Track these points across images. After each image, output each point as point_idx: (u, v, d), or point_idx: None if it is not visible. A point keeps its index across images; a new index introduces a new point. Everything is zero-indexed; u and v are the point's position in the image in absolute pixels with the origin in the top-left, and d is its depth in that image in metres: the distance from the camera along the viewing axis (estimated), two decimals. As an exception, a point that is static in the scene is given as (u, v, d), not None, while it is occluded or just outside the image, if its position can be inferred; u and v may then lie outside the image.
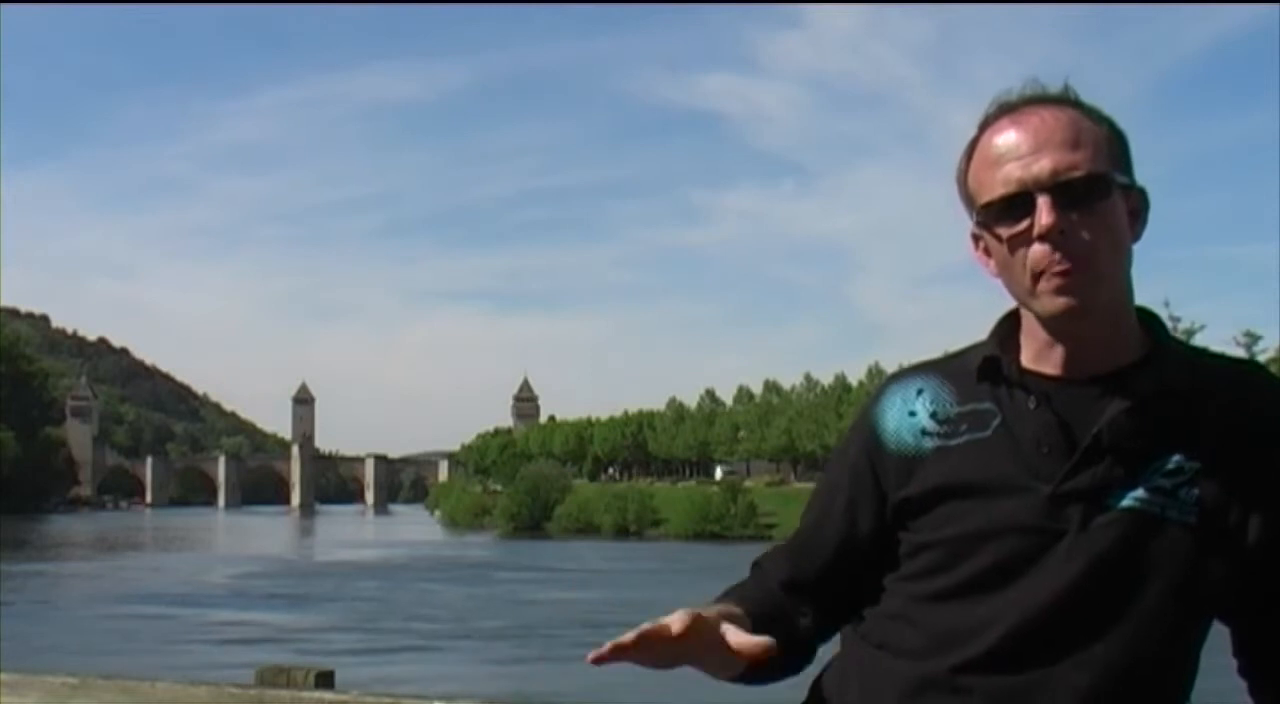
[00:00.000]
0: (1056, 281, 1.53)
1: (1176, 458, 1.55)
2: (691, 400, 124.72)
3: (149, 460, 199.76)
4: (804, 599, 1.71)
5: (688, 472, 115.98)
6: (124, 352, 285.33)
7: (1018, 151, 1.56)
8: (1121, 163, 1.58)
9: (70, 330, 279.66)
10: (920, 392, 1.66)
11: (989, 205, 1.57)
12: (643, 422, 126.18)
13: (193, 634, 28.39)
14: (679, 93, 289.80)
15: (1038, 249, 1.53)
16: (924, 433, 1.63)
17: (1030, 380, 1.60)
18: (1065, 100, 1.59)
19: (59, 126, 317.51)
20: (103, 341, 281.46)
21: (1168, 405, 1.56)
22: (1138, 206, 1.59)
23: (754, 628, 1.61)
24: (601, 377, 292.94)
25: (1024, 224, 1.54)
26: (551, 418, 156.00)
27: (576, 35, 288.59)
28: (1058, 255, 1.52)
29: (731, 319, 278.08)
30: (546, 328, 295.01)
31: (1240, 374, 1.62)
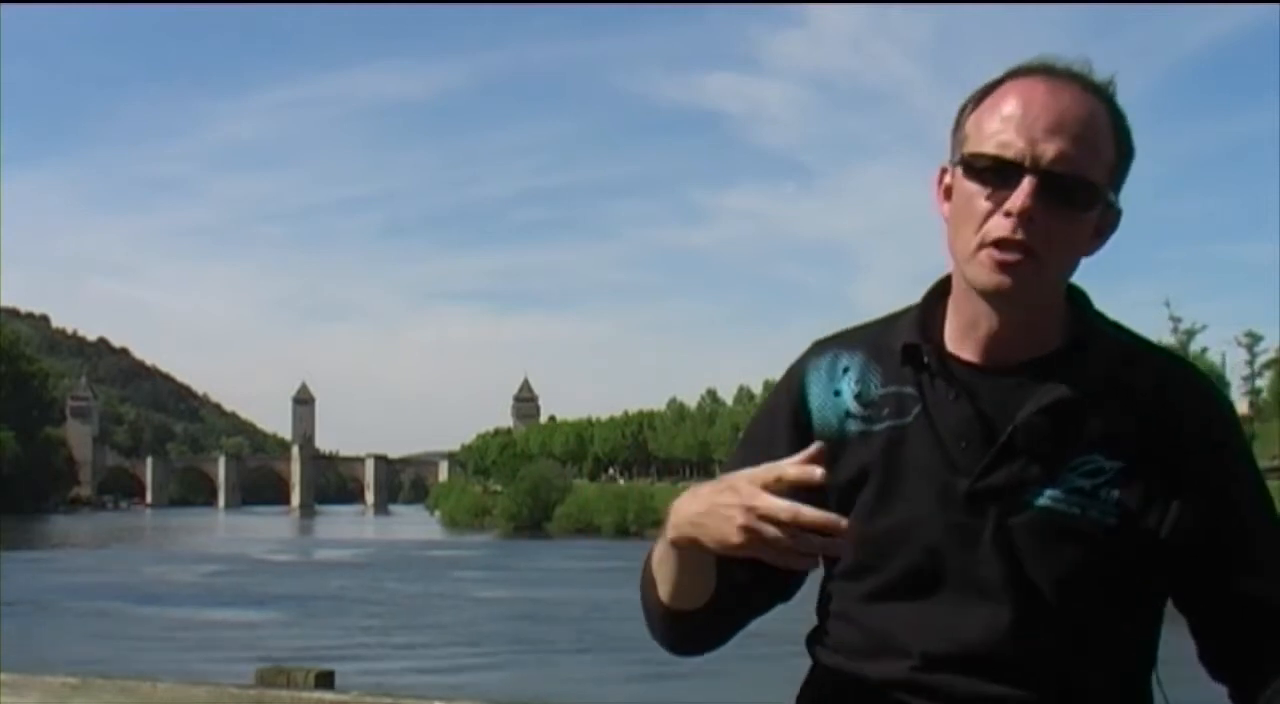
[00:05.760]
0: (1001, 259, 1.50)
1: (1097, 457, 1.53)
2: (691, 400, 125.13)
3: (149, 460, 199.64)
4: (737, 568, 1.61)
5: (688, 472, 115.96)
6: (124, 352, 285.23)
7: (1032, 121, 1.51)
8: (1117, 179, 1.56)
9: (70, 330, 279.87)
10: (846, 370, 1.63)
11: (979, 156, 1.53)
12: (643, 422, 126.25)
13: (193, 634, 28.39)
14: (680, 92, 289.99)
15: (1000, 222, 1.50)
16: (848, 415, 1.61)
17: (952, 367, 1.57)
18: (1102, 93, 1.55)
19: (59, 126, 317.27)
20: (103, 341, 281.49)
21: (1089, 401, 1.54)
22: (1106, 226, 1.57)
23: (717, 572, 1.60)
24: (601, 377, 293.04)
25: (1001, 193, 1.50)
26: (551, 418, 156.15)
27: (577, 34, 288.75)
28: (1018, 236, 1.49)
29: (732, 319, 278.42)
30: (546, 328, 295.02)
31: (1167, 368, 1.60)
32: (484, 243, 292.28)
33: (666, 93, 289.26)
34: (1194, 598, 1.58)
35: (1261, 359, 68.51)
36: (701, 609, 1.62)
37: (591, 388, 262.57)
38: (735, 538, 1.45)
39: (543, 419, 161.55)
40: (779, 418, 1.66)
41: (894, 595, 1.57)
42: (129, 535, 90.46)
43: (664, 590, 1.61)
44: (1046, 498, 1.53)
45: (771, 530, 1.43)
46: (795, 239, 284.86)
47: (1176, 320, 63.83)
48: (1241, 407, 69.46)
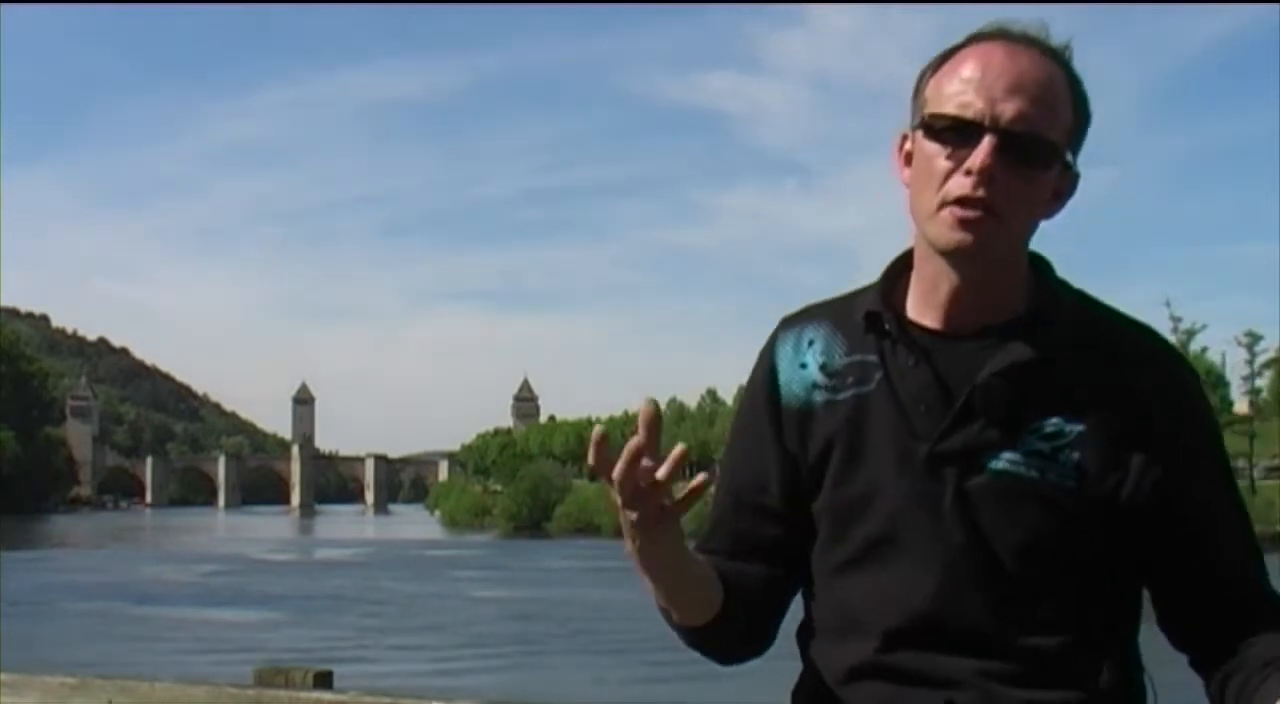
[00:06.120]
0: (963, 216, 1.51)
1: (1056, 420, 1.53)
2: (692, 400, 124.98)
3: (149, 460, 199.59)
4: (750, 555, 1.67)
5: (688, 472, 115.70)
6: (124, 351, 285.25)
7: (991, 82, 1.52)
8: (1075, 143, 1.57)
9: (70, 330, 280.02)
10: (812, 342, 1.65)
11: (939, 117, 1.54)
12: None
13: (192, 634, 28.38)
14: (680, 91, 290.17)
15: (961, 180, 1.51)
16: (814, 386, 1.63)
17: (912, 334, 1.58)
18: (1059, 58, 1.57)
19: (59, 126, 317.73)
20: (103, 341, 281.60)
21: (1049, 365, 1.54)
22: (1064, 189, 1.58)
23: (723, 585, 1.62)
24: (601, 377, 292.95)
25: (961, 152, 1.52)
26: (551, 418, 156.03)
27: (577, 34, 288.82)
28: (978, 194, 1.50)
29: (732, 319, 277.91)
30: (546, 328, 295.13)
31: (1130, 334, 1.60)
32: (484, 243, 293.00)
33: (666, 93, 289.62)
34: (1153, 563, 1.58)
35: (1261, 359, 68.45)
36: (720, 616, 1.62)
37: (591, 388, 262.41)
38: (652, 521, 1.47)
39: (543, 419, 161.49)
40: (757, 398, 1.68)
41: (859, 565, 1.58)
42: (129, 535, 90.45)
43: (677, 615, 1.63)
44: (1004, 461, 1.53)
45: (651, 487, 1.44)
46: (795, 239, 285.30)
47: (1176, 320, 63.77)
48: (1241, 406, 69.40)
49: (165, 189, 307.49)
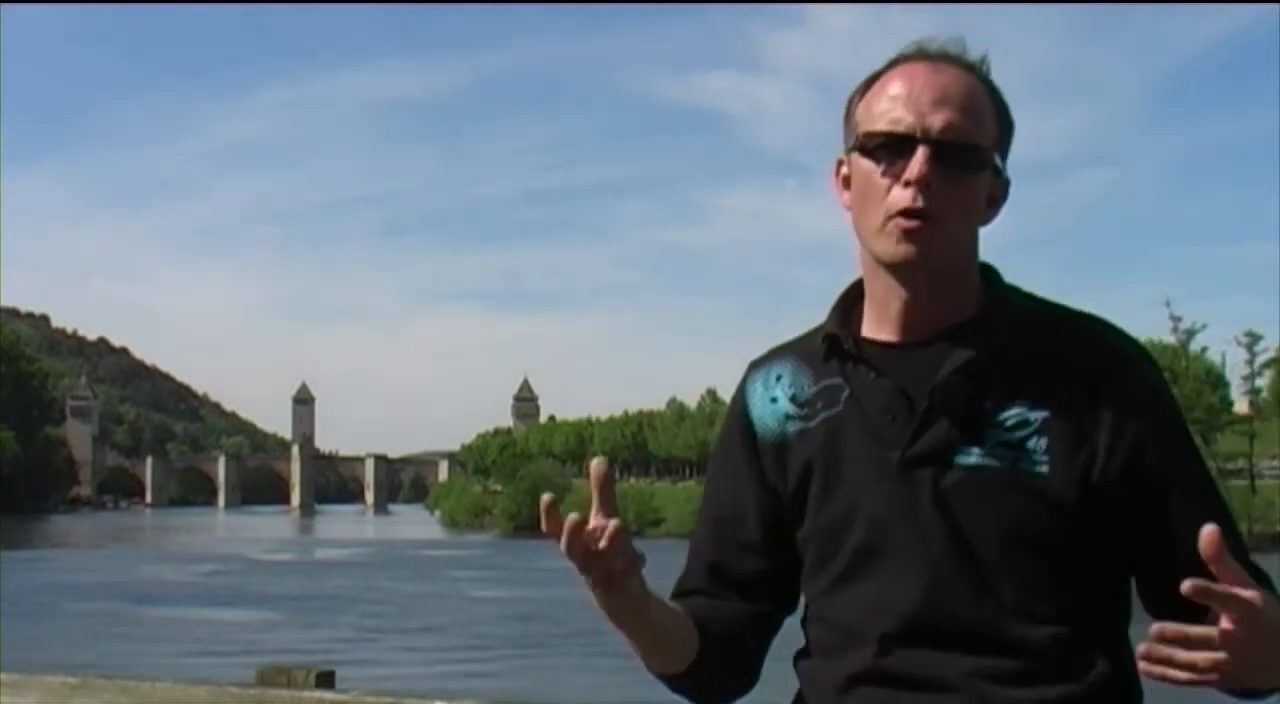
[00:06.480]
0: (906, 227, 1.56)
1: (1018, 410, 1.56)
2: (692, 400, 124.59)
3: (149, 460, 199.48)
4: (730, 592, 1.71)
5: (687, 471, 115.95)
6: (124, 351, 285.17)
7: (918, 96, 1.58)
8: (1002, 150, 1.62)
9: (70, 330, 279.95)
10: (780, 377, 1.69)
11: (873, 135, 1.59)
12: (643, 422, 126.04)
13: (192, 634, 28.38)
14: (680, 91, 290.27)
15: (900, 193, 1.56)
16: (787, 417, 1.67)
17: (870, 351, 1.62)
18: (976, 71, 1.62)
19: (59, 126, 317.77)
20: (103, 341, 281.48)
21: (1005, 358, 1.57)
22: (998, 195, 1.63)
23: (699, 631, 1.65)
24: (601, 377, 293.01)
25: (897, 166, 1.56)
26: (551, 418, 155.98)
27: (577, 34, 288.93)
28: (918, 204, 1.55)
29: (732, 319, 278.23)
30: (546, 328, 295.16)
31: (1083, 325, 1.63)
32: (484, 243, 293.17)
33: (667, 93, 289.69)
34: (1129, 542, 1.59)
35: (1261, 359, 68.16)
36: (697, 662, 1.66)
37: (591, 388, 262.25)
38: (606, 583, 1.51)
39: (543, 419, 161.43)
40: (732, 437, 1.73)
41: (849, 579, 1.61)
42: (129, 535, 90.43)
43: (655, 664, 1.67)
44: (975, 456, 1.56)
45: (598, 553, 1.49)
46: (795, 239, 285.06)
47: (1176, 320, 63.72)
48: (1241, 406, 69.30)
49: (165, 189, 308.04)
